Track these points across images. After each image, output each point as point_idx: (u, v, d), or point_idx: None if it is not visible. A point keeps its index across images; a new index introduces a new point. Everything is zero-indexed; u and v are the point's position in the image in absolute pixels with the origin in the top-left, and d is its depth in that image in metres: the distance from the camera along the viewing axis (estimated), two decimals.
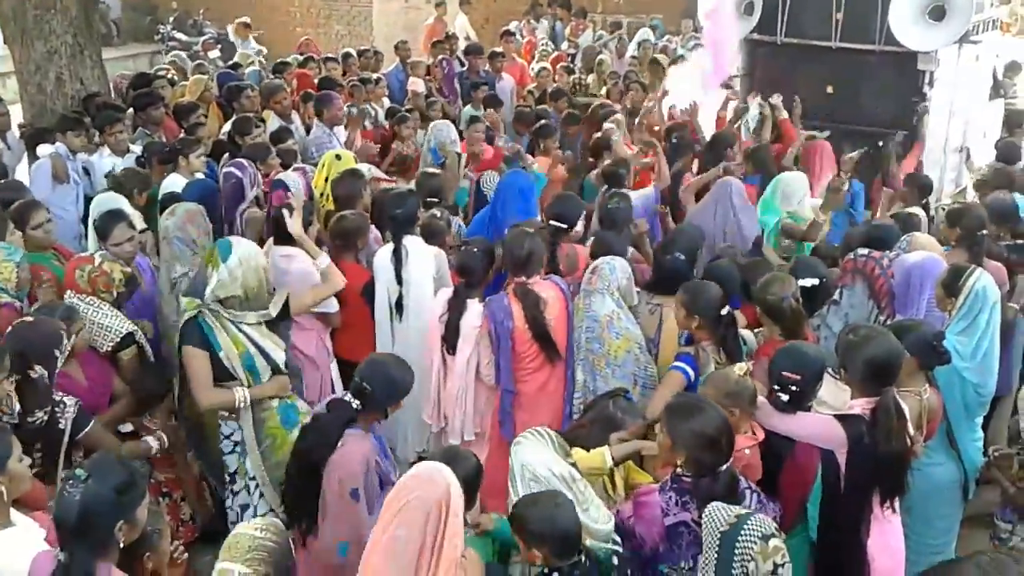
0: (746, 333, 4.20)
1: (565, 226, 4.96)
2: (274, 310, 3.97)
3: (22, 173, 6.67)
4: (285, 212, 4.42)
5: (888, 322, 4.08)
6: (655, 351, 4.34)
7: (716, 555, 2.57)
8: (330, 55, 10.21)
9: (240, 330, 3.87)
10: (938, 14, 7.25)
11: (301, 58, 10.11)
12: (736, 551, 2.52)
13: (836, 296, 4.33)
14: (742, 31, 8.14)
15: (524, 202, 5.48)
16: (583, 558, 2.68)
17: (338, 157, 5.80)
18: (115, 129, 6.35)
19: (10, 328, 3.51)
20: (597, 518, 2.81)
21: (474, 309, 4.30)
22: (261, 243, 5.04)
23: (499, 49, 10.32)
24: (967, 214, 5.04)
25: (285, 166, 6.08)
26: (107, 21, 16.12)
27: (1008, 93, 9.48)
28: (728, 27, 7.96)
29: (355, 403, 3.35)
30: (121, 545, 2.54)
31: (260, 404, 3.95)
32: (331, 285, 4.36)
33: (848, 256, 4.42)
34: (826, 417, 3.31)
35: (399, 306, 4.70)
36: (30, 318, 3.59)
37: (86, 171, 6.33)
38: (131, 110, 7.24)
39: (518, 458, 2.85)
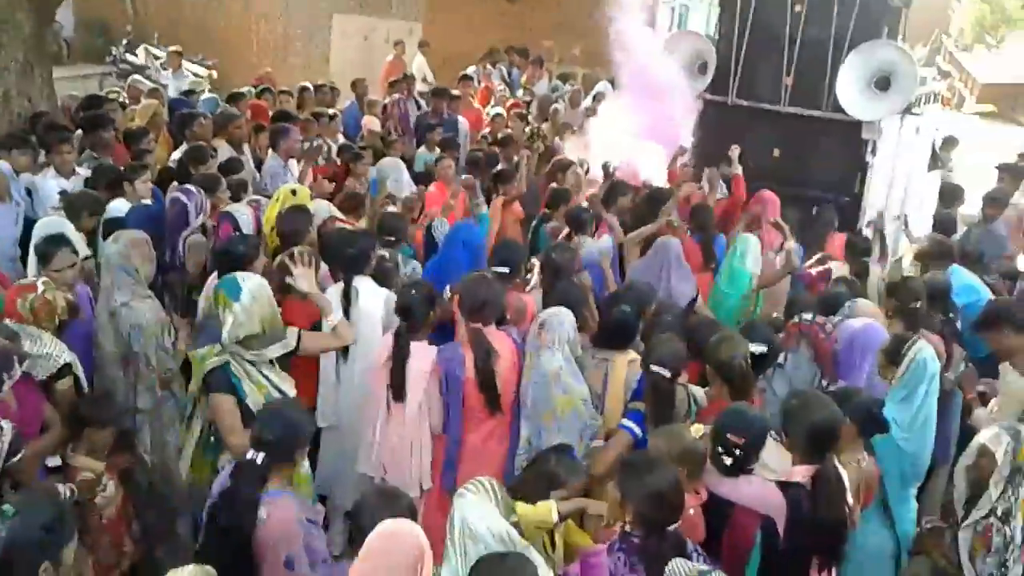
0: (697, 391, 4.22)
1: (508, 271, 4.92)
2: (292, 341, 3.94)
3: None
4: (289, 263, 4.28)
5: (831, 387, 4.16)
6: (600, 405, 4.33)
7: None
8: (285, 88, 10.18)
9: (260, 372, 3.82)
10: (883, 85, 7.52)
11: (255, 89, 10.05)
12: None
13: (780, 359, 4.40)
14: (695, 90, 8.33)
15: (468, 254, 5.52)
16: None
17: (293, 192, 5.76)
18: (63, 150, 6.22)
19: None
20: None
21: (421, 353, 4.25)
22: (204, 270, 4.98)
23: (456, 92, 10.39)
24: (903, 287, 5.17)
25: (235, 198, 6.02)
26: (59, 39, 15.88)
27: (946, 165, 9.83)
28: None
29: (259, 458, 3.13)
30: None
31: None
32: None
33: (793, 320, 4.50)
34: (767, 482, 3.33)
35: (344, 347, 4.63)
36: None
37: (28, 192, 6.19)
38: (79, 132, 7.10)
39: (459, 512, 2.75)
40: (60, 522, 2.49)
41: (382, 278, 4.89)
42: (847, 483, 3.34)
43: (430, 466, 4.29)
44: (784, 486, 3.30)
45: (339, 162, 7.92)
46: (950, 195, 8.41)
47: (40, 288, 3.99)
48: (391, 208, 6.38)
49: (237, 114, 7.88)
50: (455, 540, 2.69)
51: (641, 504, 2.86)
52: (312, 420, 3.42)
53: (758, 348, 4.14)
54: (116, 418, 3.98)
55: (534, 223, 7.04)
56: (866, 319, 4.54)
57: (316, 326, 4.57)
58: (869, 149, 7.66)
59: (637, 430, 3.85)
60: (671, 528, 2.88)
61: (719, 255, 6.40)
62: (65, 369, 3.93)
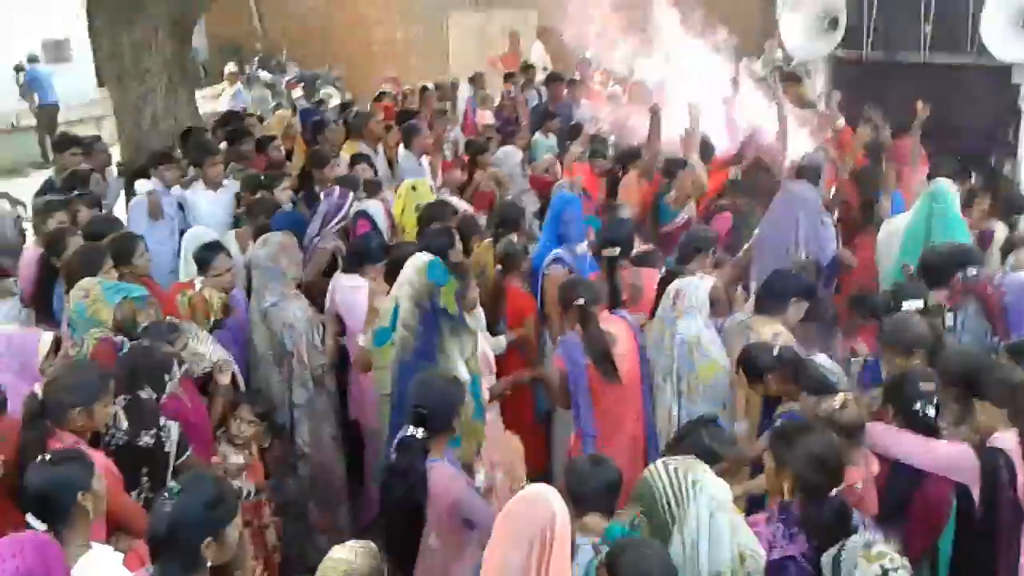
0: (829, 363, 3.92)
1: (617, 251, 4.81)
2: None
3: (120, 210, 6.91)
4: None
5: (1003, 343, 3.89)
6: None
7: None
8: (408, 87, 10.41)
9: None
10: None
11: (394, 89, 10.33)
12: (841, 564, 2.46)
13: (949, 321, 4.12)
14: (826, 47, 8.00)
15: (564, 225, 5.36)
16: None
17: (414, 188, 5.87)
18: (214, 162, 6.50)
19: (126, 350, 3.62)
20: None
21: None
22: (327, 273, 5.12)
23: (576, 76, 10.33)
24: None
25: (370, 196, 6.19)
26: (196, 64, 16.73)
27: None
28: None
29: (419, 432, 3.25)
30: (209, 564, 2.54)
31: None
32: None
33: (956, 276, 4.20)
34: (959, 445, 3.13)
35: None
36: (146, 342, 3.69)
37: (180, 206, 6.51)
38: (223, 145, 7.44)
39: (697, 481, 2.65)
40: (222, 500, 2.57)
41: (510, 262, 5.00)
42: None
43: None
44: (980, 449, 3.07)
45: (466, 156, 8.02)
46: None
47: (198, 285, 4.22)
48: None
49: (371, 113, 8.07)
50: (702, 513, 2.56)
51: (799, 469, 2.76)
52: (463, 387, 3.46)
53: (914, 304, 3.94)
54: (265, 412, 4.16)
55: (654, 196, 6.88)
56: None
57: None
58: (1021, 95, 7.16)
59: None
60: (832, 494, 2.76)
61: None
62: (225, 366, 4.11)
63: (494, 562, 2.47)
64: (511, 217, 5.56)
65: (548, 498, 2.53)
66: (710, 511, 2.53)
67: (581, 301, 4.13)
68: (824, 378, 3.65)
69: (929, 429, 3.21)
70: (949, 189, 5.36)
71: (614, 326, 4.24)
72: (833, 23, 8.02)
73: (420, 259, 3.87)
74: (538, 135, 8.60)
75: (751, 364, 3.75)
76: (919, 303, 4.01)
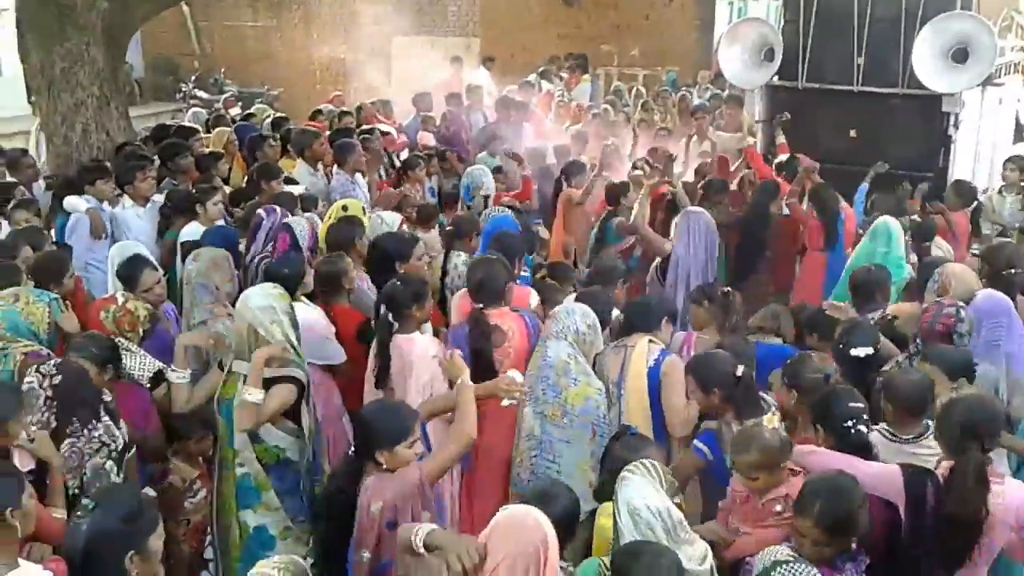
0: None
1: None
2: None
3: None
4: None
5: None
6: (620, 393, 4.12)
7: None
8: (346, 109, 10.33)
9: None
10: (960, 57, 7.26)
11: (336, 109, 10.23)
12: None
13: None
14: (763, 78, 8.17)
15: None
16: None
17: (344, 208, 5.78)
18: (144, 176, 6.31)
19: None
20: (692, 555, 2.66)
21: (410, 343, 4.15)
22: None
23: (520, 99, 10.41)
24: (997, 253, 4.93)
25: (305, 210, 6.09)
26: (130, 80, 16.40)
27: None
28: None
29: (350, 453, 3.28)
30: None
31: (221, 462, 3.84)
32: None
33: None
34: (888, 466, 3.12)
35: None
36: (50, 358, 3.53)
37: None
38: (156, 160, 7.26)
39: (622, 493, 2.69)
40: (141, 513, 2.47)
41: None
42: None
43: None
44: (908, 469, 3.07)
45: (397, 174, 7.97)
46: None
47: (121, 299, 4.07)
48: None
49: (317, 133, 7.93)
50: (623, 520, 2.64)
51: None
52: (411, 412, 3.30)
53: (863, 351, 3.85)
54: (208, 432, 3.98)
55: (600, 219, 6.97)
56: (988, 292, 4.29)
57: (363, 326, 4.62)
58: (951, 123, 7.40)
59: (707, 451, 3.64)
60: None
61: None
62: (159, 375, 3.96)
63: None
64: (464, 230, 5.53)
65: (536, 519, 2.43)
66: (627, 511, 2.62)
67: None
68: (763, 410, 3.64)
69: (862, 447, 3.21)
70: (892, 227, 5.52)
71: (508, 323, 4.20)
72: (770, 54, 8.21)
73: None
74: (483, 155, 8.60)
75: (706, 374, 3.70)
76: (868, 350, 3.89)
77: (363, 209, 5.95)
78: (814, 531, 2.77)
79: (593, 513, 3.30)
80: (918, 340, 4.02)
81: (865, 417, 3.27)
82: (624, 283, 5.05)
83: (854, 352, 3.83)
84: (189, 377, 3.86)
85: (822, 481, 2.88)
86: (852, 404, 3.27)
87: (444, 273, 5.57)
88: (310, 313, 4.51)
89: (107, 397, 3.49)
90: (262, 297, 3.76)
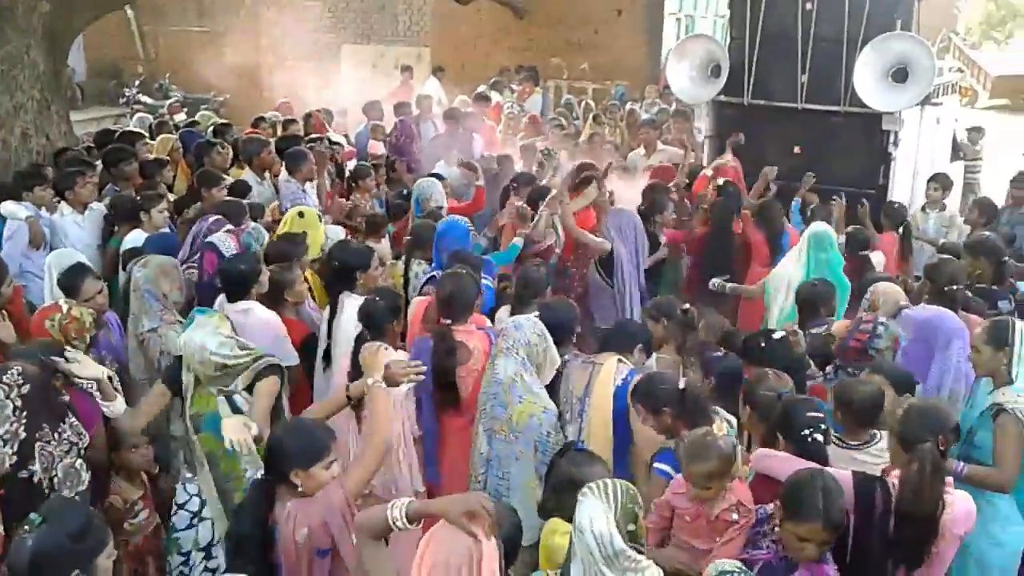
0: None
1: None
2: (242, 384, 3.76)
3: None
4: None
5: None
6: (583, 409, 4.07)
7: None
8: (291, 117, 10.23)
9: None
10: (900, 77, 7.46)
11: (280, 116, 10.12)
12: None
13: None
14: (709, 93, 8.30)
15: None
16: None
17: (301, 215, 5.74)
18: (84, 181, 6.18)
19: None
20: None
21: (392, 356, 4.01)
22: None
23: (472, 110, 10.41)
24: (941, 269, 5.04)
25: (253, 218, 6.01)
26: (72, 84, 16.05)
27: (968, 155, 9.73)
28: None
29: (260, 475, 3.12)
30: None
31: (227, 474, 3.74)
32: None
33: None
34: (840, 471, 3.15)
35: (326, 357, 4.63)
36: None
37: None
38: (99, 166, 7.11)
39: (578, 509, 2.59)
40: (89, 530, 2.41)
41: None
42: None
43: (418, 467, 4.18)
44: (857, 475, 3.13)
45: (346, 183, 7.92)
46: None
47: (65, 307, 3.99)
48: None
49: (266, 141, 7.83)
50: (575, 536, 2.57)
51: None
52: (327, 430, 3.15)
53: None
54: (143, 441, 3.90)
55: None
56: (935, 308, 4.43)
57: (308, 338, 4.69)
58: (891, 141, 7.60)
59: (671, 471, 3.54)
60: None
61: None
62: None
63: None
64: (424, 239, 5.51)
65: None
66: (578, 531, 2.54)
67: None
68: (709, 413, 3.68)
69: (818, 455, 3.25)
70: (830, 234, 5.67)
71: (474, 341, 4.20)
72: (716, 70, 8.34)
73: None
74: (441, 164, 8.60)
75: (650, 394, 3.69)
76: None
77: (319, 216, 5.92)
78: (822, 533, 2.82)
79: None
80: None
81: (823, 427, 3.30)
82: (549, 287, 5.06)
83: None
84: (122, 405, 3.67)
85: (808, 482, 2.91)
86: (810, 414, 3.31)
87: (406, 282, 5.55)
88: (267, 313, 4.52)
89: (66, 397, 3.44)
90: (200, 338, 3.70)
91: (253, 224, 5.85)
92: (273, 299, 4.75)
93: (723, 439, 3.24)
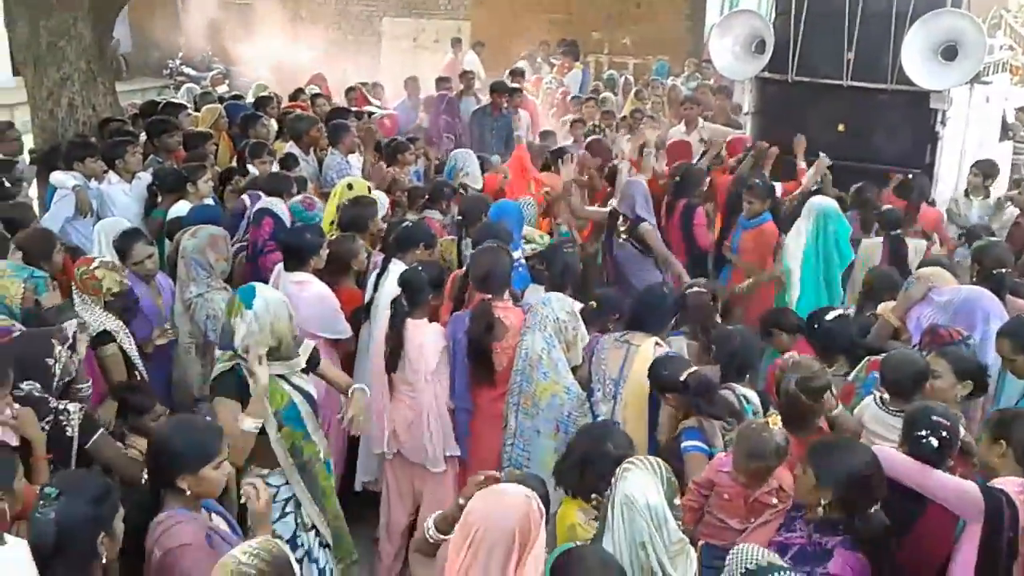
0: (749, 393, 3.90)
1: None
2: (303, 361, 3.68)
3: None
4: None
5: None
6: (617, 392, 4.07)
7: None
8: (318, 91, 10.19)
9: (286, 380, 3.59)
10: (950, 54, 7.29)
11: (316, 89, 10.15)
12: None
13: None
14: (753, 70, 8.19)
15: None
16: None
17: (350, 186, 5.79)
18: (132, 151, 6.29)
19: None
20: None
21: (421, 329, 4.19)
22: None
23: (516, 85, 10.39)
24: (988, 252, 4.98)
25: (299, 191, 6.07)
26: (117, 56, 16.23)
27: (1017, 136, 9.50)
28: None
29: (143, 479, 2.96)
30: (104, 560, 2.42)
31: (310, 459, 3.66)
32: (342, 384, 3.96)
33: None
34: (968, 481, 3.08)
35: (367, 310, 4.72)
36: (15, 332, 3.48)
37: None
38: (143, 136, 7.20)
39: (621, 483, 2.60)
40: (107, 493, 2.45)
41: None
42: None
43: (452, 437, 4.25)
44: (986, 489, 3.01)
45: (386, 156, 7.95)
46: None
47: (94, 264, 4.12)
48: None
49: (315, 119, 7.85)
50: (616, 509, 2.58)
51: (842, 488, 2.86)
52: (216, 429, 2.94)
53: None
54: (153, 407, 3.83)
55: None
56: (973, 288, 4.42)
57: (356, 313, 4.73)
58: (939, 119, 7.44)
59: (704, 445, 3.56)
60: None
61: None
62: (104, 336, 3.98)
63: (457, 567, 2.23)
64: (473, 217, 5.51)
65: (517, 495, 2.31)
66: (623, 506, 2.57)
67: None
68: (731, 406, 3.68)
69: (927, 459, 3.14)
70: (835, 207, 5.87)
71: (511, 317, 4.20)
72: (760, 47, 8.21)
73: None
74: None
75: (657, 378, 3.76)
76: None
77: (368, 188, 5.97)
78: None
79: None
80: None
81: (943, 434, 3.15)
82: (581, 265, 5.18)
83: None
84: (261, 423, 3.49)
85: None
86: (936, 418, 3.17)
87: (460, 258, 5.56)
88: (322, 287, 4.57)
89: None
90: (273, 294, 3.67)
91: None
92: (338, 269, 4.81)
93: (778, 433, 3.22)
